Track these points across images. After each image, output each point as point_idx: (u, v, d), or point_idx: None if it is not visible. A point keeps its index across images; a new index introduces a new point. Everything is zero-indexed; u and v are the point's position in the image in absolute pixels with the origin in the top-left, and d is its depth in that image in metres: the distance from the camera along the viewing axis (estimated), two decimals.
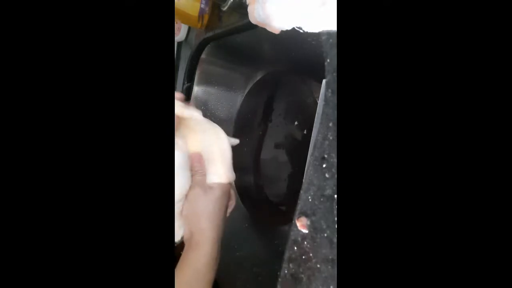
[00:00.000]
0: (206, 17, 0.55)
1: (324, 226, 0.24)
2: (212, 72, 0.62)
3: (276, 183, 0.55)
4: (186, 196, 0.35)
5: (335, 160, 0.24)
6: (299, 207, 0.26)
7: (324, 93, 0.25)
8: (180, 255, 0.58)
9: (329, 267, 0.23)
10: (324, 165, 0.25)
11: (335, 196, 0.23)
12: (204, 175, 0.35)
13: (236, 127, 0.65)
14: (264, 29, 0.33)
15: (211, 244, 0.33)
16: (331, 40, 0.26)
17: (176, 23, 0.64)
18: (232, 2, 0.48)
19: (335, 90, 0.25)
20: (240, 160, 0.64)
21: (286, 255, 0.26)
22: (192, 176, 0.35)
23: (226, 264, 0.50)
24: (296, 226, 0.26)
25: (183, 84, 0.60)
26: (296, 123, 0.51)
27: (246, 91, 0.63)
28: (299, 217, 0.26)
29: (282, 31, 0.31)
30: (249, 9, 0.32)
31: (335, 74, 0.25)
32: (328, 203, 0.24)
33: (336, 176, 0.24)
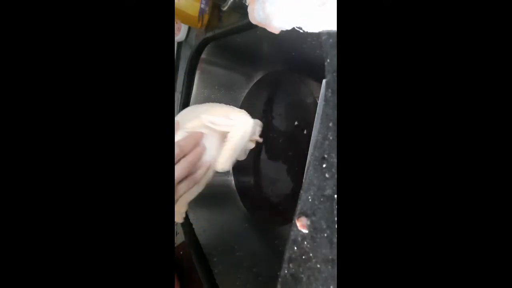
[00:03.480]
0: (206, 17, 0.55)
1: (324, 226, 0.24)
2: (212, 72, 0.62)
3: (276, 183, 0.55)
4: None
5: (335, 160, 0.24)
6: (299, 207, 0.26)
7: (324, 93, 0.25)
8: (180, 255, 0.58)
9: (329, 267, 0.23)
10: (324, 165, 0.25)
11: (335, 196, 0.23)
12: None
13: None
14: (264, 29, 0.33)
15: None
16: (331, 40, 0.26)
17: (176, 23, 0.64)
18: (232, 2, 0.48)
19: (335, 90, 0.25)
20: (240, 160, 0.64)
21: (286, 255, 0.26)
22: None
23: (226, 264, 0.50)
24: (296, 226, 0.26)
25: (183, 84, 0.60)
26: (296, 123, 0.51)
27: (246, 91, 0.63)
28: (299, 217, 0.26)
29: (282, 31, 0.31)
30: (249, 9, 0.32)
31: (335, 74, 0.25)
32: (328, 203, 0.24)
33: (336, 176, 0.24)
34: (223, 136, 0.37)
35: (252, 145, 0.41)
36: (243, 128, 0.37)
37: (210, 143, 0.37)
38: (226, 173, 0.66)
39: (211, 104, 0.40)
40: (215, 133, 0.37)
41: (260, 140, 0.41)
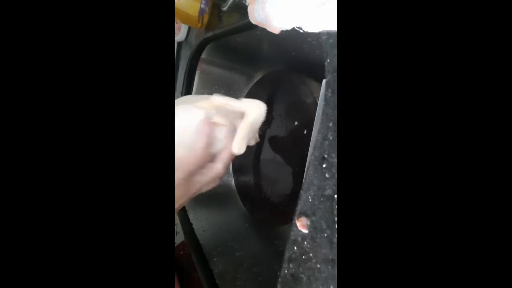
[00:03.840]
0: (206, 17, 0.55)
1: (324, 226, 0.24)
2: (212, 72, 0.62)
3: (276, 183, 0.55)
4: None
5: (335, 160, 0.24)
6: (299, 207, 0.26)
7: (324, 93, 0.25)
8: (180, 254, 0.58)
9: (329, 267, 0.23)
10: (324, 165, 0.25)
11: (335, 196, 0.23)
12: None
13: None
14: (264, 29, 0.33)
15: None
16: (331, 40, 0.26)
17: (176, 23, 0.64)
18: (232, 2, 0.48)
19: (335, 90, 0.25)
20: (240, 160, 0.64)
21: (286, 255, 0.26)
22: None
23: (226, 264, 0.50)
24: (296, 226, 0.26)
25: (183, 84, 0.60)
26: (296, 123, 0.51)
27: (246, 91, 0.63)
28: (299, 217, 0.26)
29: (282, 31, 0.31)
30: (249, 9, 0.32)
31: (335, 74, 0.25)
32: (328, 203, 0.24)
33: (336, 176, 0.24)
34: (238, 117, 0.37)
35: (253, 142, 0.41)
36: (258, 109, 0.37)
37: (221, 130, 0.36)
38: (226, 173, 0.66)
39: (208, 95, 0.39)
40: (227, 115, 0.36)
41: (258, 140, 0.41)
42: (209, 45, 0.57)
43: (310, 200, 0.25)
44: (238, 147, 0.36)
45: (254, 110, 0.36)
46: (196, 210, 0.58)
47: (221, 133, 0.35)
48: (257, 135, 0.41)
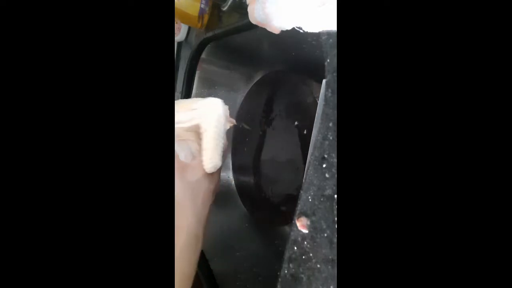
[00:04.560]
0: (206, 17, 0.55)
1: (324, 226, 0.24)
2: (212, 72, 0.62)
3: (276, 183, 0.55)
4: None
5: (335, 160, 0.24)
6: (299, 207, 0.26)
7: (324, 93, 0.25)
8: None
9: (329, 267, 0.23)
10: (324, 165, 0.25)
11: (335, 196, 0.23)
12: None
13: (236, 127, 0.65)
14: (264, 29, 0.33)
15: (189, 231, 0.30)
16: (331, 40, 0.26)
17: (176, 23, 0.64)
18: (232, 2, 0.48)
19: (335, 90, 0.25)
20: (240, 160, 0.64)
21: (286, 255, 0.26)
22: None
23: (226, 264, 0.50)
24: (296, 226, 0.26)
25: (183, 84, 0.60)
26: (296, 123, 0.51)
27: (246, 91, 0.63)
28: (299, 217, 0.26)
29: (282, 31, 0.31)
30: (249, 9, 0.32)
31: (335, 74, 0.25)
32: (328, 203, 0.24)
33: (336, 176, 0.24)
34: (197, 131, 0.33)
35: (228, 126, 0.37)
36: (214, 112, 0.33)
37: (189, 147, 0.32)
38: (226, 173, 0.66)
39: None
40: (188, 132, 0.33)
41: (234, 122, 0.37)
42: (209, 45, 0.57)
43: (310, 200, 0.25)
44: (212, 165, 0.32)
45: (211, 115, 0.32)
46: None
47: (193, 147, 0.32)
48: (225, 137, 0.36)
